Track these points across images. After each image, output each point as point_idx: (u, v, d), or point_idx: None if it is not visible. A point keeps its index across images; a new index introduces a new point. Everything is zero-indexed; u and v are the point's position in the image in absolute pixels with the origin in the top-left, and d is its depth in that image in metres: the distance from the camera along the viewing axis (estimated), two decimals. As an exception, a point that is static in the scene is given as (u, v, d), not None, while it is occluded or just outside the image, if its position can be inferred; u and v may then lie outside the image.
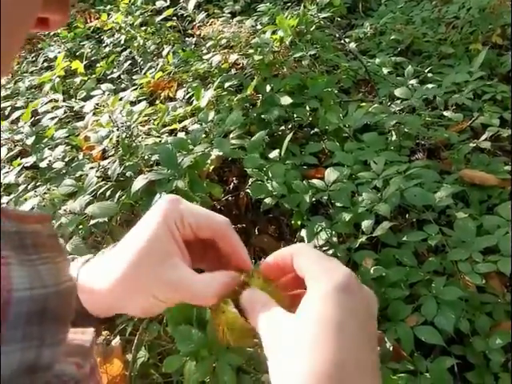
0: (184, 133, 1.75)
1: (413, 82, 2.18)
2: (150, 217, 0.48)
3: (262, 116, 1.79)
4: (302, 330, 0.40)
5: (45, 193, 1.32)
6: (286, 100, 1.79)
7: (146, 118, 1.79)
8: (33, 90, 2.38)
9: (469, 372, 1.39)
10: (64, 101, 2.08)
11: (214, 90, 1.87)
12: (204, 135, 1.59)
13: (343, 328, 0.39)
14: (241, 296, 0.46)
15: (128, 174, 1.57)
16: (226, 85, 1.90)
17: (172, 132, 1.81)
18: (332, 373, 0.38)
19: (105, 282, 0.48)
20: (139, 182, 1.33)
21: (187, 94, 2.02)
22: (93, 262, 0.53)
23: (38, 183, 1.64)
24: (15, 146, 1.79)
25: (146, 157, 1.49)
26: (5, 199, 1.50)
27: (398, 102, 2.04)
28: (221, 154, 1.56)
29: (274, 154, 1.69)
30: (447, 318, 1.33)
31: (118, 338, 1.25)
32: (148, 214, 0.49)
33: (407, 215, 1.77)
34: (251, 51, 2.00)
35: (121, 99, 1.96)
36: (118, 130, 1.55)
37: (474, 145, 1.91)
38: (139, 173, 1.48)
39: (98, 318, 0.52)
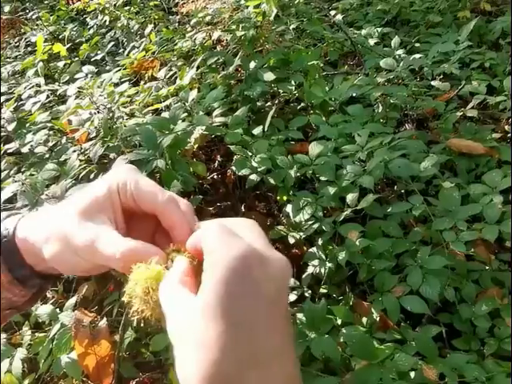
0: (168, 113, 1.73)
1: (400, 52, 2.14)
2: (97, 182, 0.49)
3: (246, 93, 1.77)
4: (194, 322, 0.38)
5: (25, 178, 1.31)
6: (269, 76, 1.76)
7: (129, 99, 1.77)
8: (16, 75, 2.35)
9: (456, 339, 1.41)
10: (48, 85, 2.05)
11: (197, 67, 1.84)
12: (186, 114, 1.57)
13: (238, 321, 0.37)
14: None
15: (111, 155, 1.56)
16: (209, 62, 1.88)
17: (156, 112, 1.79)
18: (223, 375, 0.36)
19: (39, 232, 0.49)
20: (118, 164, 1.32)
21: (170, 72, 1.99)
22: (33, 215, 0.53)
23: (23, 169, 1.63)
24: (-1, 132, 1.78)
25: (128, 138, 1.48)
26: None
27: (384, 73, 2.01)
28: (204, 132, 1.55)
29: (258, 130, 1.68)
30: (432, 286, 1.34)
31: (104, 319, 1.26)
32: (98, 180, 0.50)
33: (395, 187, 1.76)
34: (234, 27, 1.97)
35: (106, 81, 1.94)
36: (98, 112, 1.54)
37: (461, 113, 1.89)
38: (122, 154, 1.47)
39: (40, 274, 0.52)
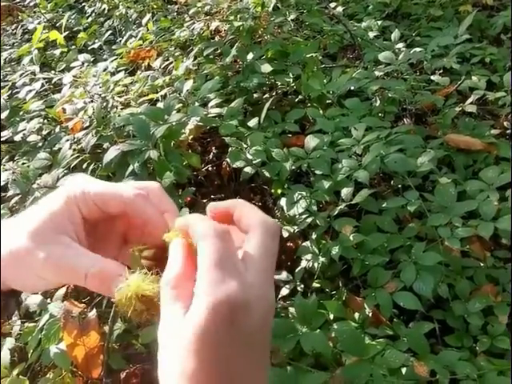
0: (163, 103, 1.72)
1: (400, 45, 2.12)
2: (52, 196, 0.47)
3: (243, 84, 1.75)
4: (180, 347, 0.38)
5: (16, 167, 1.30)
6: (266, 67, 1.74)
7: (124, 89, 1.75)
8: (12, 63, 2.33)
9: (448, 336, 1.40)
10: (44, 73, 2.04)
11: (194, 58, 1.82)
12: (181, 104, 1.56)
13: (216, 360, 0.37)
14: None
15: (105, 145, 1.54)
16: (206, 52, 1.86)
17: (151, 102, 1.78)
18: None
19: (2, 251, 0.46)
20: (111, 154, 1.31)
21: (167, 62, 1.97)
22: None
23: (16, 157, 1.61)
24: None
25: (122, 128, 1.46)
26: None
27: (383, 66, 1.99)
28: (199, 123, 1.53)
29: (254, 122, 1.66)
30: (426, 283, 1.33)
31: (94, 310, 1.25)
32: (52, 193, 0.47)
33: (391, 182, 1.75)
34: (232, 18, 1.94)
35: (104, 70, 1.92)
36: (92, 101, 1.52)
37: (460, 109, 1.87)
38: (115, 144, 1.45)
39: (4, 292, 0.50)
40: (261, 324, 0.39)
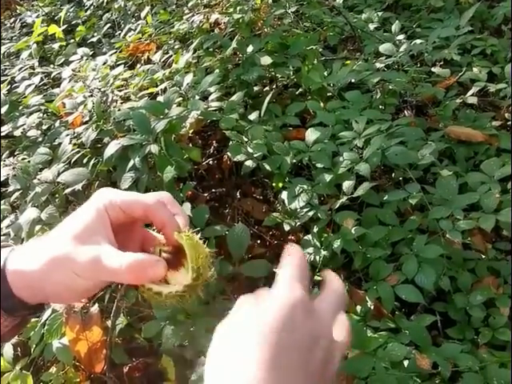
0: (163, 97, 1.71)
1: (400, 37, 2.11)
2: (83, 207, 0.53)
3: (243, 77, 1.75)
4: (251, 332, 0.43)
5: (16, 162, 1.29)
6: (266, 60, 1.73)
7: (124, 83, 1.74)
8: (11, 57, 2.31)
9: (450, 328, 1.40)
10: (42, 67, 2.02)
11: (193, 51, 1.81)
12: (181, 98, 1.55)
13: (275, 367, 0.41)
14: None
15: (105, 140, 1.53)
16: (206, 45, 1.85)
17: (151, 96, 1.77)
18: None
19: (35, 262, 0.50)
20: (111, 148, 1.31)
21: (167, 55, 1.96)
22: (25, 247, 0.54)
23: (16, 153, 1.61)
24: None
25: (122, 122, 1.46)
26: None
27: (384, 58, 1.98)
28: (199, 116, 1.53)
29: (254, 115, 1.66)
30: (427, 276, 1.33)
31: (96, 305, 1.25)
32: (83, 205, 0.53)
33: (392, 175, 1.74)
34: (231, 10, 1.93)
35: (103, 64, 1.91)
36: (91, 95, 1.51)
37: (461, 100, 1.87)
38: (115, 139, 1.45)
39: (28, 305, 0.53)
40: (313, 345, 0.44)
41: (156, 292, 0.49)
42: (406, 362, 1.22)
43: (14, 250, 0.54)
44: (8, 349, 1.32)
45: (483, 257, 1.49)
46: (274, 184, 1.60)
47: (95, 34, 2.43)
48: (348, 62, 1.97)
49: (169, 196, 0.55)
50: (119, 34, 2.43)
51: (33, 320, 1.32)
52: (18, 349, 1.51)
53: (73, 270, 0.48)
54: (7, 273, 0.51)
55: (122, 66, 1.87)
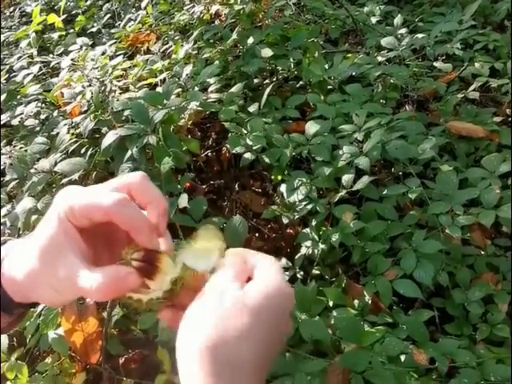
0: (162, 87, 1.69)
1: (402, 31, 2.09)
2: (49, 214, 0.48)
3: (243, 69, 1.73)
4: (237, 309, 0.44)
5: (12, 151, 1.28)
6: (267, 52, 1.72)
7: (123, 73, 1.73)
8: (10, 46, 2.30)
9: (448, 324, 1.39)
10: (41, 56, 2.01)
11: (193, 42, 1.79)
12: (180, 89, 1.54)
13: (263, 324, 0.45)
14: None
15: (103, 130, 1.52)
16: (206, 36, 1.83)
17: (150, 87, 1.75)
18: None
19: (19, 272, 0.49)
20: (109, 138, 1.29)
21: (166, 46, 1.95)
22: (13, 248, 0.52)
23: (14, 142, 1.60)
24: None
25: (120, 112, 1.44)
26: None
27: (385, 52, 1.96)
28: (198, 108, 1.51)
29: (254, 107, 1.65)
30: (426, 271, 1.32)
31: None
32: (47, 214, 0.49)
33: (392, 169, 1.73)
34: (232, 1, 1.91)
35: (103, 54, 1.90)
36: (90, 85, 1.50)
37: (463, 95, 1.85)
38: (113, 129, 1.43)
39: (23, 304, 0.52)
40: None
41: (136, 300, 0.47)
42: (402, 357, 1.21)
43: (12, 246, 0.52)
44: (3, 339, 1.31)
45: (482, 253, 1.48)
46: (272, 177, 1.59)
47: (95, 24, 2.41)
48: (349, 55, 1.96)
49: (139, 179, 0.49)
50: (119, 24, 2.42)
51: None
52: (14, 339, 1.51)
53: (53, 288, 0.47)
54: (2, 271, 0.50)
55: (122, 56, 1.86)
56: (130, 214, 0.47)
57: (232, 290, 0.46)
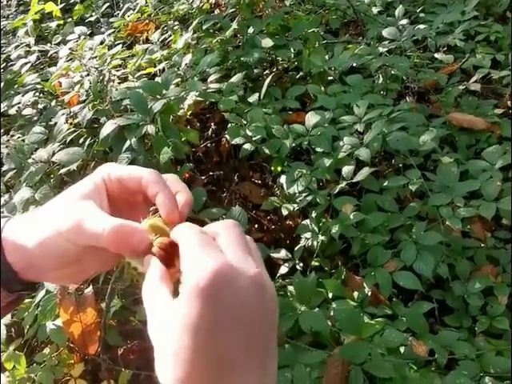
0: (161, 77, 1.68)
1: (403, 22, 2.08)
2: (83, 180, 0.50)
3: (242, 59, 1.72)
4: (171, 330, 0.39)
5: (8, 140, 1.27)
6: (267, 42, 1.70)
7: (121, 63, 1.71)
8: (7, 35, 2.27)
9: (448, 316, 1.39)
10: (39, 45, 1.99)
11: (193, 32, 1.78)
12: (179, 79, 1.52)
13: (205, 339, 0.38)
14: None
15: (102, 120, 1.51)
16: (205, 26, 1.81)
17: (149, 76, 1.74)
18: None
19: (30, 235, 0.48)
20: (108, 128, 1.28)
21: (165, 35, 1.93)
22: (17, 218, 0.52)
23: (11, 131, 1.58)
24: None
25: (119, 102, 1.43)
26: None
27: (386, 43, 1.95)
28: (198, 98, 1.50)
29: (254, 97, 1.63)
30: (426, 263, 1.32)
31: (90, 287, 1.24)
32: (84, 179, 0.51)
33: (393, 160, 1.73)
34: (232, -10, 1.89)
35: (101, 43, 1.88)
36: (88, 74, 1.48)
37: (464, 87, 1.84)
38: (112, 118, 1.42)
39: (22, 281, 0.50)
40: (246, 299, 0.39)
41: (139, 273, 0.46)
42: (402, 349, 1.21)
43: (11, 219, 0.51)
44: (2, 330, 1.31)
45: (482, 245, 1.48)
46: (272, 168, 1.58)
47: (93, 13, 2.38)
48: (350, 45, 1.94)
49: (173, 175, 0.53)
50: (118, 13, 2.39)
51: (26, 301, 1.30)
52: (12, 330, 1.50)
53: (59, 233, 0.46)
54: (4, 244, 0.49)
55: (120, 45, 1.84)
56: (161, 186, 0.49)
57: (161, 304, 0.41)
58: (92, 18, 2.35)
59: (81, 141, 1.45)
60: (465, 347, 1.21)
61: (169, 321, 0.39)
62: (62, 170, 1.31)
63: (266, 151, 1.53)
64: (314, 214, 1.48)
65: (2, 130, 1.53)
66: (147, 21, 2.04)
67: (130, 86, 1.54)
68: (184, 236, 0.43)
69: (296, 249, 1.48)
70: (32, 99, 1.59)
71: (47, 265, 0.49)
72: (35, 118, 1.55)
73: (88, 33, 2.04)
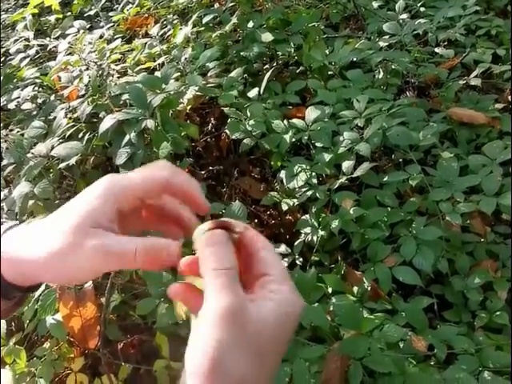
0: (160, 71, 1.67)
1: (404, 16, 2.07)
2: (89, 192, 0.48)
3: (242, 53, 1.71)
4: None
5: (6, 134, 1.27)
6: (267, 36, 1.70)
7: (120, 57, 1.71)
8: (7, 29, 2.26)
9: (447, 311, 1.39)
10: (38, 40, 1.98)
11: (192, 26, 1.77)
12: (179, 73, 1.52)
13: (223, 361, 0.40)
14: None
15: (101, 114, 1.50)
16: (205, 20, 1.80)
17: (148, 71, 1.73)
18: None
19: (31, 252, 0.47)
20: (107, 123, 1.28)
21: (165, 29, 1.92)
22: (21, 230, 0.51)
23: (10, 126, 1.58)
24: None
25: (118, 96, 1.43)
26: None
27: (387, 37, 1.94)
28: (197, 92, 1.49)
29: (253, 92, 1.63)
30: (426, 258, 1.31)
31: (90, 281, 1.24)
32: (88, 189, 0.48)
33: (393, 156, 1.72)
34: (232, -16, 1.88)
35: (100, 37, 1.87)
36: (87, 69, 1.48)
37: (464, 82, 1.84)
38: (111, 113, 1.42)
39: (21, 288, 0.50)
40: (261, 326, 0.42)
41: None
42: (401, 344, 1.21)
43: (8, 230, 0.50)
44: (2, 324, 1.31)
45: (482, 240, 1.48)
46: (272, 163, 1.58)
47: (93, 7, 2.37)
48: (350, 40, 1.94)
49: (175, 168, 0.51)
50: (117, 7, 2.38)
51: (26, 295, 1.30)
52: (12, 324, 1.51)
53: (78, 264, 0.45)
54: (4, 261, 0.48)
55: (120, 39, 1.83)
56: (187, 179, 0.49)
57: (237, 307, 0.42)
58: (91, 12, 2.34)
59: (80, 135, 1.45)
60: (464, 342, 1.21)
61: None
62: (61, 165, 1.31)
63: (266, 146, 1.53)
64: (313, 209, 1.48)
65: (1, 125, 1.52)
66: (146, 15, 2.03)
67: (130, 80, 1.54)
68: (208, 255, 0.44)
69: (296, 244, 1.48)
70: (31, 93, 1.59)
71: (57, 283, 0.50)
72: (34, 113, 1.55)
73: (87, 27, 2.04)
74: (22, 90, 1.62)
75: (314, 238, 1.43)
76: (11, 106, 1.56)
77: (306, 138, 1.51)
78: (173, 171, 0.48)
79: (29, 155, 1.31)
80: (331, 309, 1.26)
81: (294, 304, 0.44)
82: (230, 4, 1.89)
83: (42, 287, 1.24)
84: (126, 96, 1.41)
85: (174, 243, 0.46)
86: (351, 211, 1.41)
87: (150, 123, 1.25)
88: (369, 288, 1.36)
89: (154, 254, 0.45)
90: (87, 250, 0.44)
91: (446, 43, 2.05)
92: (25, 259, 0.47)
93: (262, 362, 0.41)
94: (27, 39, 1.90)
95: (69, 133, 1.38)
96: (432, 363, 1.21)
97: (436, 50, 1.96)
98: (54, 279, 0.49)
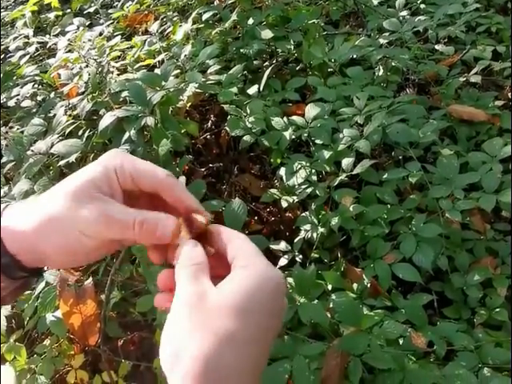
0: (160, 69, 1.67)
1: (404, 13, 2.07)
2: (90, 165, 0.49)
3: (242, 50, 1.71)
4: (211, 312, 0.41)
5: (6, 132, 1.27)
6: (267, 33, 1.69)
7: (120, 54, 1.71)
8: (6, 26, 2.26)
9: (447, 308, 1.40)
10: (38, 37, 1.98)
11: (192, 23, 1.77)
12: (179, 70, 1.52)
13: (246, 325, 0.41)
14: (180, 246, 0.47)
15: (101, 112, 1.50)
16: (205, 17, 1.80)
17: (148, 68, 1.73)
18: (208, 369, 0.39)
19: (29, 221, 0.47)
20: (107, 120, 1.28)
21: (164, 26, 1.92)
22: (18, 205, 0.51)
23: (10, 123, 1.58)
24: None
25: (118, 93, 1.42)
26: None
27: (387, 34, 1.94)
28: (197, 90, 1.49)
29: (253, 89, 1.63)
30: (425, 255, 1.32)
31: (90, 278, 1.24)
32: (90, 164, 0.49)
33: (393, 153, 1.72)
34: (232, -20, 1.88)
35: (100, 34, 1.87)
36: (87, 66, 1.48)
37: (464, 79, 1.84)
38: (111, 110, 1.42)
39: (25, 267, 0.49)
40: (229, 307, 0.42)
41: None
42: (401, 340, 1.21)
43: (9, 206, 0.50)
44: (2, 321, 1.31)
45: (482, 237, 1.48)
46: (272, 160, 1.58)
47: (92, 5, 2.37)
48: (350, 37, 1.93)
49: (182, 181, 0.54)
50: (117, 4, 2.38)
51: (26, 292, 1.31)
52: (12, 321, 1.51)
53: (77, 228, 0.45)
54: (6, 234, 0.47)
55: (119, 37, 1.83)
56: (181, 187, 0.50)
57: (199, 294, 0.42)
58: (91, 9, 2.33)
59: (80, 132, 1.45)
60: (464, 339, 1.22)
61: (212, 303, 0.42)
62: (61, 162, 1.31)
63: (266, 143, 1.52)
64: (313, 206, 1.48)
65: (1, 122, 1.52)
66: (146, 12, 2.03)
67: (129, 77, 1.54)
68: (241, 241, 0.47)
69: (295, 241, 1.48)
70: (31, 91, 1.59)
71: (58, 260, 0.49)
72: (34, 110, 1.55)
73: (87, 24, 2.03)
74: (21, 88, 1.62)
75: (314, 235, 1.43)
76: (11, 103, 1.56)
77: (305, 135, 1.51)
78: (171, 178, 0.50)
79: (29, 152, 1.31)
80: (331, 306, 1.26)
81: (268, 275, 0.44)
82: (230, 1, 1.89)
83: (42, 284, 1.24)
84: (125, 93, 1.41)
85: (171, 218, 0.47)
86: (351, 208, 1.41)
87: (149, 120, 1.25)
88: (368, 285, 1.37)
89: (149, 225, 0.46)
90: (88, 213, 0.45)
91: (446, 40, 2.05)
92: (25, 230, 0.46)
93: (238, 344, 0.40)
94: (27, 36, 1.89)
95: (68, 130, 1.38)
96: (431, 360, 1.21)
97: (436, 47, 1.95)
98: (55, 251, 0.47)
